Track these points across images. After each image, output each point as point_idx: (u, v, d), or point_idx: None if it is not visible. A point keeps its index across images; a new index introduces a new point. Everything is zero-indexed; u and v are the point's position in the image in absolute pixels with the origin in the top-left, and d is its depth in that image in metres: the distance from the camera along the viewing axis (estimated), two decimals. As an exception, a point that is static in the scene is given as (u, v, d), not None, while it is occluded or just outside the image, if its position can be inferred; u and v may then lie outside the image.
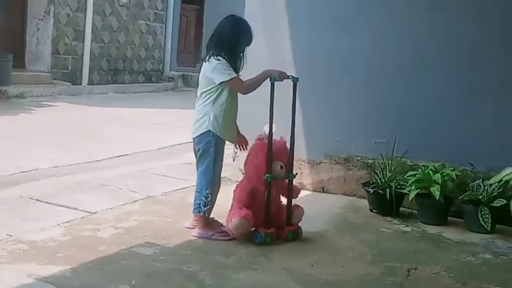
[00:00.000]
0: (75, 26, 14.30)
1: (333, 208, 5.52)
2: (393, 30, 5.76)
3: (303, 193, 5.86)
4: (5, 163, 6.41)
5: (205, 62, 4.47)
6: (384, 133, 5.75)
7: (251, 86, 4.48)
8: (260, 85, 4.51)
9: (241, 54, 4.53)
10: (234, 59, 4.47)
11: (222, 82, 4.37)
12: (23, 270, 3.64)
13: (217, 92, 4.43)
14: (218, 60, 4.37)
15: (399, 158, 5.54)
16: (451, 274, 4.08)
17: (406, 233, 4.98)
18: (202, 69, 4.50)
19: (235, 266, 4.01)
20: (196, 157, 4.55)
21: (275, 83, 4.51)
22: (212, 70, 4.37)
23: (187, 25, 19.20)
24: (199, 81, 4.53)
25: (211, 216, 4.55)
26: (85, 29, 14.51)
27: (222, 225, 4.53)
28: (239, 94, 4.57)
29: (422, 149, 5.56)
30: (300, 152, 6.06)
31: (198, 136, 4.48)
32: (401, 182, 5.34)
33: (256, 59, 6.12)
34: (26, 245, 4.07)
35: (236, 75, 4.43)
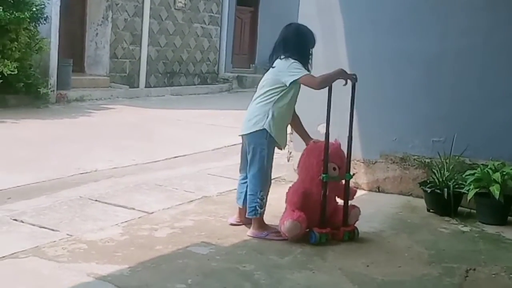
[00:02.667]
0: (132, 31, 14.57)
1: (389, 208, 5.46)
2: (452, 31, 5.67)
3: (358, 192, 5.84)
4: (65, 165, 6.58)
5: (273, 67, 4.52)
6: (441, 131, 5.67)
7: (324, 81, 4.48)
8: (332, 82, 4.51)
9: (310, 56, 4.61)
10: (304, 61, 4.52)
11: (295, 81, 4.41)
12: (83, 269, 3.73)
13: (281, 93, 4.46)
14: (295, 60, 4.43)
15: (457, 157, 5.44)
16: (511, 275, 3.98)
17: (464, 233, 4.89)
18: (273, 68, 4.52)
19: (290, 266, 4.01)
20: (247, 155, 4.56)
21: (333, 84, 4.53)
22: (288, 67, 4.42)
23: (241, 27, 19.30)
24: (263, 80, 4.57)
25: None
26: (142, 33, 14.77)
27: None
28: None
29: (481, 148, 5.46)
30: (355, 152, 5.99)
31: (251, 133, 4.49)
32: (459, 182, 5.24)
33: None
34: (85, 244, 4.17)
35: (309, 72, 4.48)
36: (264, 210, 4.54)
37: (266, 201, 4.53)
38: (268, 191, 4.58)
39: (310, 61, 4.60)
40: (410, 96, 5.86)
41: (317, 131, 6.09)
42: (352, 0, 6.06)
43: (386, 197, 5.81)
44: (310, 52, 4.60)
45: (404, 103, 5.88)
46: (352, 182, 5.97)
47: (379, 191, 5.95)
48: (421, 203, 5.45)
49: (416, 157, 5.82)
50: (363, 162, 6.03)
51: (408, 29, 5.85)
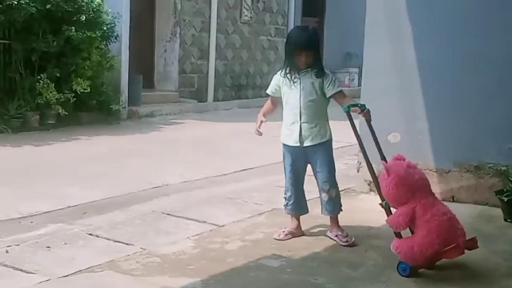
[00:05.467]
0: (200, 46, 14.77)
1: (464, 218, 5.24)
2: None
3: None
4: (137, 180, 6.71)
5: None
6: (517, 137, 5.48)
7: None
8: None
9: (292, 58, 4.61)
10: (289, 65, 4.64)
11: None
12: (157, 283, 3.79)
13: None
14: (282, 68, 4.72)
15: (534, 164, 5.25)
16: None
17: (544, 243, 4.70)
18: None
19: (363, 278, 3.95)
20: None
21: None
22: None
23: (307, 38, 19.26)
24: None
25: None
26: (209, 48, 14.94)
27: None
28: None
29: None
30: (428, 161, 5.90)
31: None
32: (538, 190, 5.05)
33: (380, 65, 6.07)
34: (159, 258, 4.23)
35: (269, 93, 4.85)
36: (287, 207, 4.78)
37: (288, 199, 4.79)
38: (289, 191, 4.77)
39: (294, 62, 4.58)
40: (482, 101, 5.69)
41: (387, 141, 6.03)
42: (418, 5, 5.94)
43: (461, 206, 5.63)
44: (292, 53, 4.59)
45: (476, 108, 5.72)
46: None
47: (453, 201, 5.79)
48: (498, 212, 5.28)
49: (491, 165, 5.64)
50: (435, 172, 5.89)
51: (477, 31, 5.68)
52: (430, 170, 5.87)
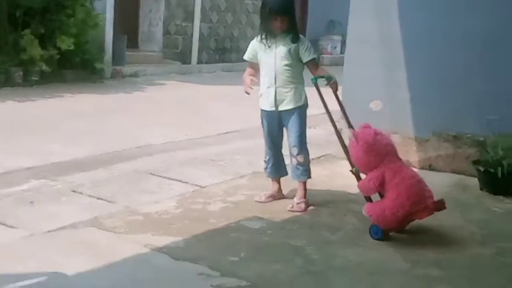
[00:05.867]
0: (185, 7, 14.64)
1: (441, 187, 5.40)
2: (508, 7, 5.55)
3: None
4: (121, 139, 6.73)
5: None
6: (496, 110, 5.58)
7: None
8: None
9: (265, 23, 4.65)
10: (262, 30, 4.70)
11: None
12: (140, 241, 3.85)
13: None
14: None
15: (512, 136, 5.35)
16: None
17: (518, 213, 4.84)
18: None
19: (342, 241, 4.05)
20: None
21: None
22: None
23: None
24: None
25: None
26: (194, 10, 14.83)
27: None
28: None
29: (537, 127, 5.36)
30: (407, 129, 5.99)
31: None
32: (514, 161, 5.16)
33: (364, 35, 6.12)
34: (141, 216, 4.30)
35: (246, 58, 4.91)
36: (266, 170, 4.91)
37: (267, 162, 4.89)
38: (268, 155, 4.87)
39: (270, 27, 4.61)
40: (464, 74, 5.77)
41: (369, 109, 6.11)
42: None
43: (438, 175, 5.76)
44: (267, 18, 4.61)
45: (458, 81, 5.80)
46: (404, 160, 5.98)
47: (430, 169, 5.90)
48: (474, 182, 5.40)
49: (469, 135, 5.74)
50: (415, 140, 5.99)
51: (463, 6, 5.74)
52: (409, 138, 5.98)
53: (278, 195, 4.84)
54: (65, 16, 10.53)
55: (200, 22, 15.03)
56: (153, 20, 14.09)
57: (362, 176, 4.30)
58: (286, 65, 4.60)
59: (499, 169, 5.12)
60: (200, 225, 4.18)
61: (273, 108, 4.67)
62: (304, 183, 4.73)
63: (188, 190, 4.97)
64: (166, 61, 13.99)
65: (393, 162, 4.18)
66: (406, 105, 6.01)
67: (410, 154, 5.96)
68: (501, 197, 5.13)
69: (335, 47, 18.56)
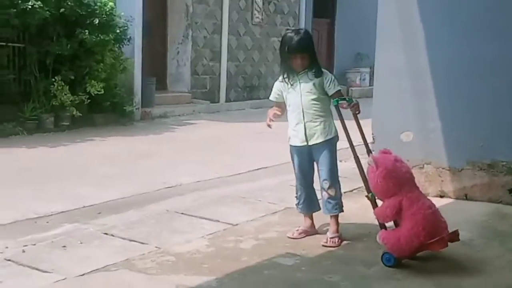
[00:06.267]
0: (211, 48, 14.82)
1: (477, 216, 5.30)
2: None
3: (445, 201, 5.73)
4: (151, 180, 6.75)
5: None
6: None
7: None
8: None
9: (287, 62, 4.64)
10: (283, 69, 4.70)
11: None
12: (172, 281, 3.81)
13: None
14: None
15: (548, 162, 5.23)
16: None
17: (559, 240, 4.69)
18: None
19: (378, 276, 3.96)
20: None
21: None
22: None
23: (318, 39, 19.26)
24: None
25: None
26: (221, 50, 15.00)
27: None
28: None
29: None
30: (441, 159, 5.90)
31: None
32: (552, 187, 5.03)
33: (392, 67, 6.09)
34: (173, 256, 4.26)
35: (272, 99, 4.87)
36: (299, 206, 4.88)
37: (298, 198, 4.88)
38: (299, 190, 4.84)
39: (291, 66, 4.62)
40: (495, 101, 5.68)
41: (399, 140, 6.05)
42: (431, 8, 5.94)
43: (474, 205, 5.64)
44: (287, 57, 4.62)
45: (490, 108, 5.71)
46: (438, 190, 5.89)
47: (467, 199, 5.78)
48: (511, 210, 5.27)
49: (504, 163, 5.63)
50: (448, 170, 5.89)
51: (490, 33, 5.67)
52: (443, 169, 5.89)
53: (311, 231, 4.78)
54: (94, 62, 10.72)
55: (227, 61, 15.18)
56: (180, 61, 14.27)
57: (379, 203, 4.26)
58: (313, 99, 4.59)
59: (537, 196, 4.99)
60: (232, 263, 4.13)
61: (304, 143, 4.65)
62: (336, 217, 4.67)
63: (219, 229, 4.93)
64: (195, 101, 14.11)
65: (412, 191, 4.16)
66: (437, 134, 5.93)
67: (444, 184, 5.87)
68: (540, 225, 4.99)
69: (363, 79, 18.57)
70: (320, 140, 4.62)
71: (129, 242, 4.58)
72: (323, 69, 4.68)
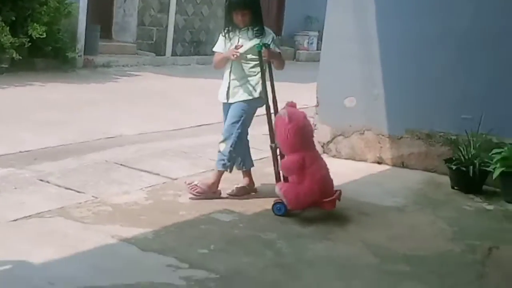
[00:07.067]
0: (160, -2, 14.54)
1: (413, 184, 5.44)
2: (484, 9, 5.57)
3: (383, 167, 5.85)
4: (91, 130, 6.63)
5: None
6: (470, 109, 5.60)
7: (215, 64, 4.78)
8: (221, 65, 4.70)
9: (229, 21, 4.62)
10: (226, 24, 4.68)
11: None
12: (107, 231, 3.78)
13: None
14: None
15: (484, 135, 5.38)
16: (535, 255, 3.96)
17: (488, 211, 4.87)
18: None
19: (312, 236, 4.03)
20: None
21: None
22: None
23: (269, -1, 19.15)
24: None
25: None
26: (169, 1, 14.72)
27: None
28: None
29: (508, 127, 5.39)
30: (381, 127, 6.00)
31: None
32: (485, 160, 5.19)
33: (341, 32, 6.11)
34: (110, 207, 4.23)
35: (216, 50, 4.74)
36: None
37: None
38: None
39: (233, 21, 4.58)
40: (438, 73, 5.79)
41: (343, 105, 6.11)
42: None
43: (410, 172, 5.78)
44: (229, 12, 4.61)
45: (432, 80, 5.81)
46: (376, 157, 6.00)
47: (403, 167, 5.91)
48: (446, 180, 5.41)
49: (442, 133, 5.77)
50: (388, 137, 5.99)
51: (439, 6, 5.76)
52: (382, 136, 5.99)
53: (250, 188, 4.80)
54: (37, 4, 10.36)
55: (176, 13, 14.92)
56: (127, 10, 13.96)
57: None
58: (243, 59, 4.55)
59: (471, 168, 5.14)
60: (170, 217, 4.12)
61: (225, 101, 4.71)
62: (218, 173, 4.64)
63: (158, 182, 4.91)
64: (140, 52, 13.87)
65: (312, 149, 4.40)
66: (380, 102, 6.01)
67: (383, 151, 5.98)
68: (471, 196, 5.15)
69: (311, 43, 18.57)
70: (238, 99, 4.61)
71: (65, 190, 4.51)
72: (266, 29, 4.61)
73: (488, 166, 5.13)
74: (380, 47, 5.96)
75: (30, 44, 10.21)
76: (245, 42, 4.55)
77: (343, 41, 6.11)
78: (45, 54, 10.77)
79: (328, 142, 6.21)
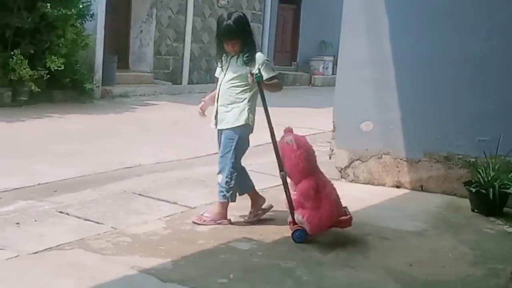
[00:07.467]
0: (176, 28, 14.68)
1: (432, 207, 5.39)
2: (499, 28, 5.56)
3: (401, 191, 5.81)
4: (110, 159, 6.68)
5: None
6: (487, 131, 5.57)
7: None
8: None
9: (220, 48, 4.61)
10: (217, 51, 4.70)
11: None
12: (127, 262, 3.78)
13: None
14: None
15: (503, 157, 5.34)
16: (559, 278, 3.89)
17: (510, 234, 4.80)
18: None
19: (332, 263, 3.99)
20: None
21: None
22: None
23: (283, 24, 19.28)
24: None
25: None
26: (185, 31, 14.88)
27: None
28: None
29: (528, 148, 5.35)
30: (399, 150, 5.97)
31: None
32: (505, 182, 5.14)
33: (355, 56, 6.12)
34: (129, 237, 4.23)
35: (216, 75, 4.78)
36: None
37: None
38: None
39: (222, 50, 4.60)
40: (455, 94, 5.77)
41: (359, 129, 6.10)
42: (396, -1, 6.00)
43: (429, 196, 5.74)
44: (219, 41, 4.59)
45: (449, 102, 5.79)
46: (394, 181, 5.96)
47: (422, 190, 5.87)
48: (466, 203, 5.36)
49: (460, 156, 5.73)
50: (406, 161, 5.96)
51: (454, 27, 5.75)
52: (400, 159, 5.96)
53: (263, 210, 4.79)
54: (55, 37, 10.52)
55: (191, 42, 15.07)
56: (143, 40, 14.12)
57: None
58: (232, 85, 4.58)
59: (491, 190, 5.09)
60: (188, 246, 4.11)
61: (214, 126, 4.75)
62: (220, 204, 4.65)
63: (177, 211, 4.91)
64: (157, 82, 14.00)
65: (320, 172, 4.40)
66: (397, 125, 6.00)
67: (401, 174, 5.94)
68: (492, 218, 5.10)
69: (326, 68, 18.64)
70: (226, 126, 4.62)
71: (85, 222, 4.52)
72: (258, 55, 4.58)
73: (508, 188, 5.08)
74: (395, 71, 5.97)
75: (48, 76, 10.37)
76: (234, 69, 4.57)
77: (358, 66, 6.13)
78: (63, 85, 10.91)
79: (346, 167, 6.19)
